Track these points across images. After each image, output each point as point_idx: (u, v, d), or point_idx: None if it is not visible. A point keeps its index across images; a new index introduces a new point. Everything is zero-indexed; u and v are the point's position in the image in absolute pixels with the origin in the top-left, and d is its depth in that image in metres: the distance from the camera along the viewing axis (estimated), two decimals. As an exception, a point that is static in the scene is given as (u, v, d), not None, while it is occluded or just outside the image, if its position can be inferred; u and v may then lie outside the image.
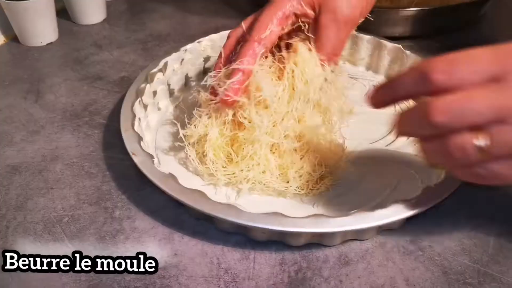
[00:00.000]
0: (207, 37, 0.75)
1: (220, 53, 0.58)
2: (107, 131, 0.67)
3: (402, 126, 0.43)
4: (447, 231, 0.53)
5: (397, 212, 0.48)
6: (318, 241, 0.51)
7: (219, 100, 0.54)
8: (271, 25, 0.54)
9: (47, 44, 0.87)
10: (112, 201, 0.56)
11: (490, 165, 0.39)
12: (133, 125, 0.58)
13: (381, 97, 0.45)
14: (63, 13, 0.94)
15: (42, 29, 0.86)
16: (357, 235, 0.51)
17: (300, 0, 0.55)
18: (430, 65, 0.39)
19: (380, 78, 0.74)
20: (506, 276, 0.48)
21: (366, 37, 0.76)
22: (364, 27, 0.77)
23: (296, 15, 0.56)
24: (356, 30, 0.75)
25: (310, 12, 0.55)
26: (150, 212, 0.55)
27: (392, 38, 0.75)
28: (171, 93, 0.71)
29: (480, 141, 0.37)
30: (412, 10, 0.82)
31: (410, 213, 0.48)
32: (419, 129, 0.42)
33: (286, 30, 0.56)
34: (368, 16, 0.62)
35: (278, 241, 0.51)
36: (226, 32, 0.73)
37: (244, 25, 0.57)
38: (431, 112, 0.38)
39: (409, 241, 0.52)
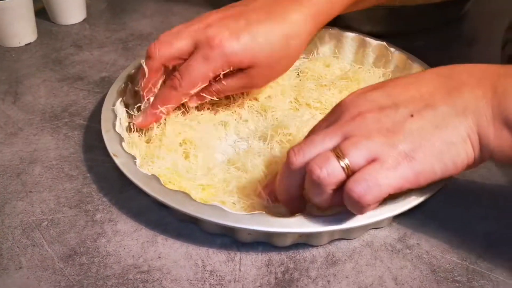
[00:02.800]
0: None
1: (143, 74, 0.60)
2: (87, 133, 0.65)
3: (279, 187, 0.49)
4: (435, 229, 0.52)
5: (384, 211, 0.47)
6: (305, 241, 0.50)
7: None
8: (200, 83, 0.57)
9: (26, 44, 0.86)
10: (93, 204, 0.55)
11: (359, 175, 0.42)
12: (114, 126, 0.57)
13: (283, 184, 0.49)
14: (42, 13, 0.92)
15: (20, 29, 0.84)
16: (345, 235, 0.50)
17: (227, 63, 0.57)
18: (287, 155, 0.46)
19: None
20: (495, 273, 0.48)
21: (351, 34, 0.75)
22: (348, 25, 0.76)
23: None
24: (340, 28, 0.75)
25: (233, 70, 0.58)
26: (132, 214, 0.53)
27: (376, 36, 0.74)
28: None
29: (341, 158, 0.42)
30: (396, 7, 0.81)
31: (397, 211, 0.48)
32: (289, 180, 0.47)
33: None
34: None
35: (264, 242, 0.50)
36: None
37: (166, 51, 0.59)
38: (290, 161, 0.45)
39: (397, 239, 0.51)
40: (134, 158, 0.53)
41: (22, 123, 0.67)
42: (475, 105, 0.43)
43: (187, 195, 0.48)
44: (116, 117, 0.59)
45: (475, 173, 0.58)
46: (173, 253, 0.50)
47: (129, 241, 0.51)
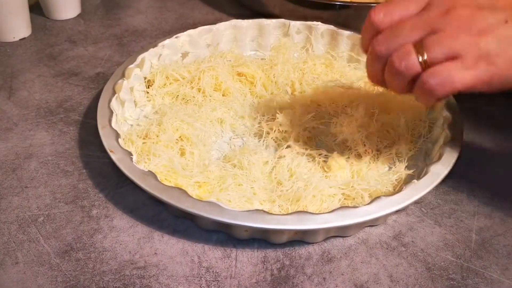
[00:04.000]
0: (185, 33, 0.74)
1: None
2: (83, 128, 0.65)
3: (369, 67, 0.49)
4: (430, 227, 0.52)
5: (380, 208, 0.48)
6: (300, 238, 0.50)
7: None
8: None
9: (20, 39, 0.85)
10: (89, 200, 0.55)
11: (436, 69, 0.43)
12: (110, 121, 0.57)
13: (369, 68, 0.50)
14: (37, 8, 0.92)
15: (14, 24, 0.83)
16: (340, 232, 0.51)
17: None
18: (371, 12, 0.47)
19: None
20: (489, 271, 0.48)
21: (346, 32, 0.75)
22: (344, 23, 0.77)
23: None
24: (335, 26, 0.75)
25: None
26: (128, 210, 0.54)
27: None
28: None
29: (420, 53, 0.44)
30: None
31: (392, 209, 0.48)
32: (376, 65, 0.48)
33: None
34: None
35: (260, 239, 0.50)
36: (205, 28, 0.73)
37: None
38: (374, 47, 0.46)
39: (392, 237, 0.51)
40: (130, 154, 0.53)
41: (17, 118, 0.67)
42: None
43: (183, 191, 0.48)
44: (113, 113, 0.58)
45: (469, 170, 0.59)
46: (169, 249, 0.50)
47: (125, 237, 0.51)
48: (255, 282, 0.47)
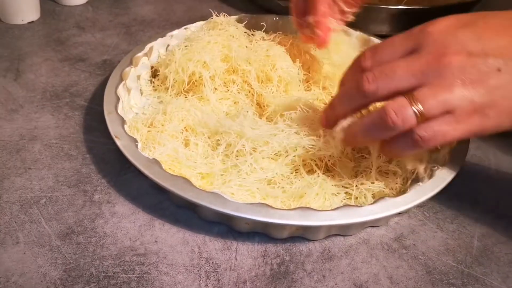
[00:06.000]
0: (193, 24, 0.74)
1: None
2: (88, 114, 0.65)
3: (340, 105, 0.50)
4: (432, 231, 0.52)
5: (383, 209, 0.48)
6: (301, 234, 0.50)
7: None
8: None
9: (29, 22, 0.85)
10: (92, 185, 0.55)
11: (430, 125, 0.43)
12: (116, 108, 0.57)
13: (338, 108, 0.50)
14: (46, -7, 0.92)
15: (23, 7, 0.83)
16: (342, 231, 0.51)
17: None
18: (359, 56, 0.48)
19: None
20: (490, 278, 0.48)
21: (355, 33, 0.75)
22: (352, 24, 0.76)
23: None
24: (345, 26, 0.75)
25: None
26: (131, 197, 0.53)
27: (380, 36, 0.74)
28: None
29: (416, 106, 0.43)
30: (401, 8, 0.82)
31: (396, 210, 0.48)
32: (353, 103, 0.48)
33: None
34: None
35: (261, 233, 0.50)
36: (214, 19, 0.72)
37: None
38: (362, 84, 0.45)
39: (393, 239, 0.51)
40: (136, 141, 0.52)
41: (22, 100, 0.66)
42: None
43: (187, 180, 0.48)
44: (119, 100, 0.58)
45: (474, 177, 0.59)
46: (170, 238, 0.50)
47: (127, 223, 0.51)
48: (254, 276, 0.47)
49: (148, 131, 0.57)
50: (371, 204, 0.48)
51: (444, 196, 0.53)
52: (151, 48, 0.69)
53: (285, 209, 0.47)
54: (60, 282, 0.45)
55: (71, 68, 0.74)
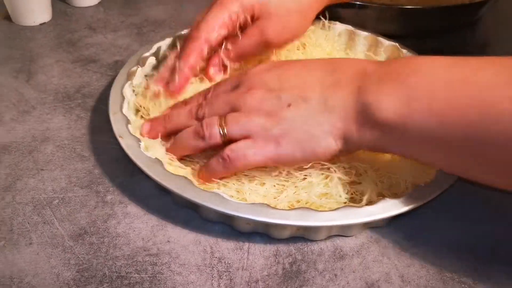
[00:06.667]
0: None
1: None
2: (100, 115, 0.65)
3: (171, 121, 0.56)
4: (443, 230, 0.52)
5: (384, 210, 0.48)
6: (302, 235, 0.50)
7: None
8: (217, 27, 0.61)
9: (40, 24, 0.86)
10: (104, 185, 0.55)
11: (234, 146, 0.49)
12: (121, 107, 0.57)
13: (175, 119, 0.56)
14: (57, -6, 0.93)
15: (35, 8, 0.84)
16: (343, 231, 0.51)
17: (241, 7, 0.61)
18: (203, 90, 0.57)
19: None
20: (501, 277, 0.48)
21: (364, 33, 0.75)
22: (361, 24, 0.76)
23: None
24: (353, 26, 0.75)
25: (248, 21, 0.62)
26: (143, 198, 0.54)
27: (389, 36, 0.74)
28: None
29: (222, 125, 0.50)
30: (411, 8, 0.81)
31: (397, 211, 0.48)
32: (182, 121, 0.55)
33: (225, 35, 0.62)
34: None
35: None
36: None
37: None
38: (195, 109, 0.54)
39: (405, 237, 0.51)
40: (139, 140, 0.53)
41: (34, 102, 0.67)
42: (343, 104, 0.47)
43: (189, 180, 0.49)
44: (124, 99, 0.59)
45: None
46: (182, 238, 0.50)
47: (139, 223, 0.51)
48: (267, 275, 0.47)
49: None
50: (372, 204, 0.48)
51: (455, 194, 0.53)
52: (158, 48, 0.69)
53: (285, 210, 0.47)
54: (73, 282, 0.45)
55: (83, 69, 0.75)
